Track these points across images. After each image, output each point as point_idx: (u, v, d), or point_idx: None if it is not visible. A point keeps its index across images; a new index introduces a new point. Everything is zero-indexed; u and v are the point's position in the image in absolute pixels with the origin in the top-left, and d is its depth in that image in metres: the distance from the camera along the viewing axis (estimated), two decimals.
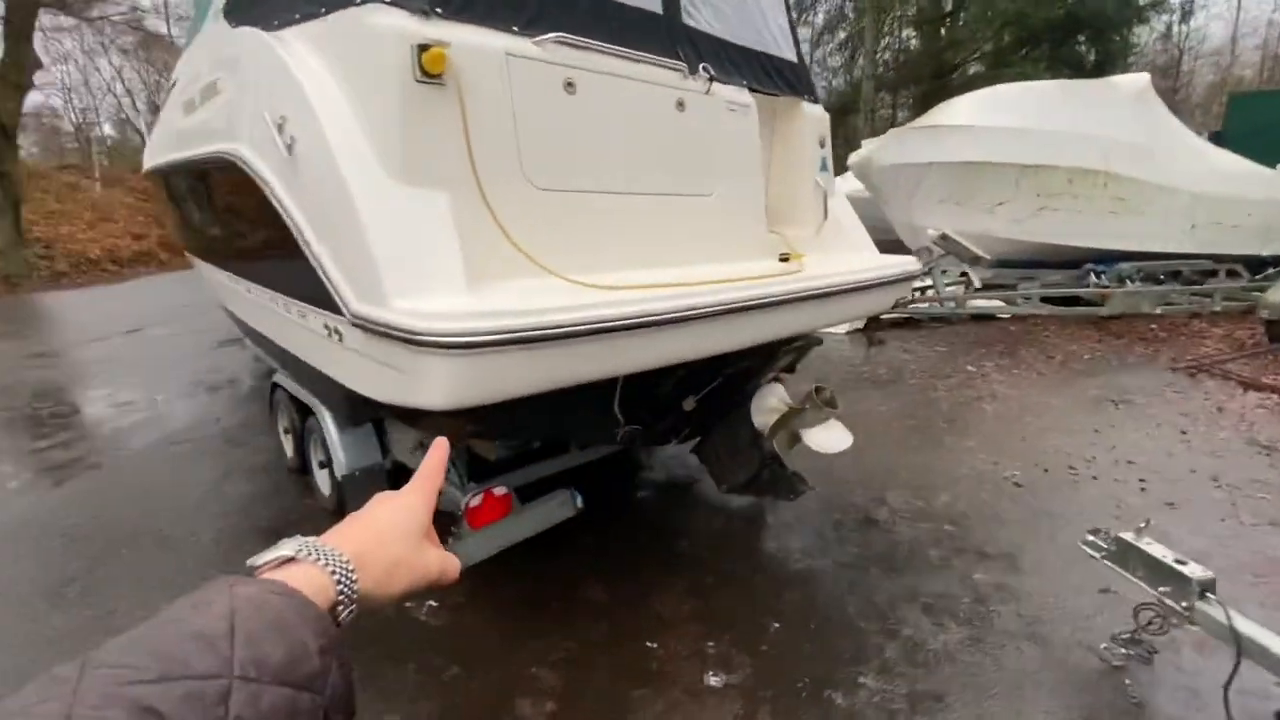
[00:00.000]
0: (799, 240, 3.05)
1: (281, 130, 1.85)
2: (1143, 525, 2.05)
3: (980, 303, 7.35)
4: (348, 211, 1.67)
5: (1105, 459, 3.66)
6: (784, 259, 2.79)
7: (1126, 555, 2.05)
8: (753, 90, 2.75)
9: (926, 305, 7.30)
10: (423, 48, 1.69)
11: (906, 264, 2.92)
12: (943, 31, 18.81)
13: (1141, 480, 3.37)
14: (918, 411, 4.57)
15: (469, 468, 2.77)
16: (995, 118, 7.37)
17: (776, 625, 2.36)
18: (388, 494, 0.56)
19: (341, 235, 1.71)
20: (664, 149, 2.37)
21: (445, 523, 2.38)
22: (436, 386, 1.52)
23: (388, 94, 1.72)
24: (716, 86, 2.53)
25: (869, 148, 8.38)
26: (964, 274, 7.64)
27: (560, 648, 2.29)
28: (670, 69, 2.37)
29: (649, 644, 2.29)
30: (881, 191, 8.46)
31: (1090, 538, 2.20)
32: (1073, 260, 7.35)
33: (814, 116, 3.10)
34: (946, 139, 7.48)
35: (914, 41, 20.53)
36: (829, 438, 2.15)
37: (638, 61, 2.24)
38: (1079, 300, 6.92)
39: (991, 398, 4.81)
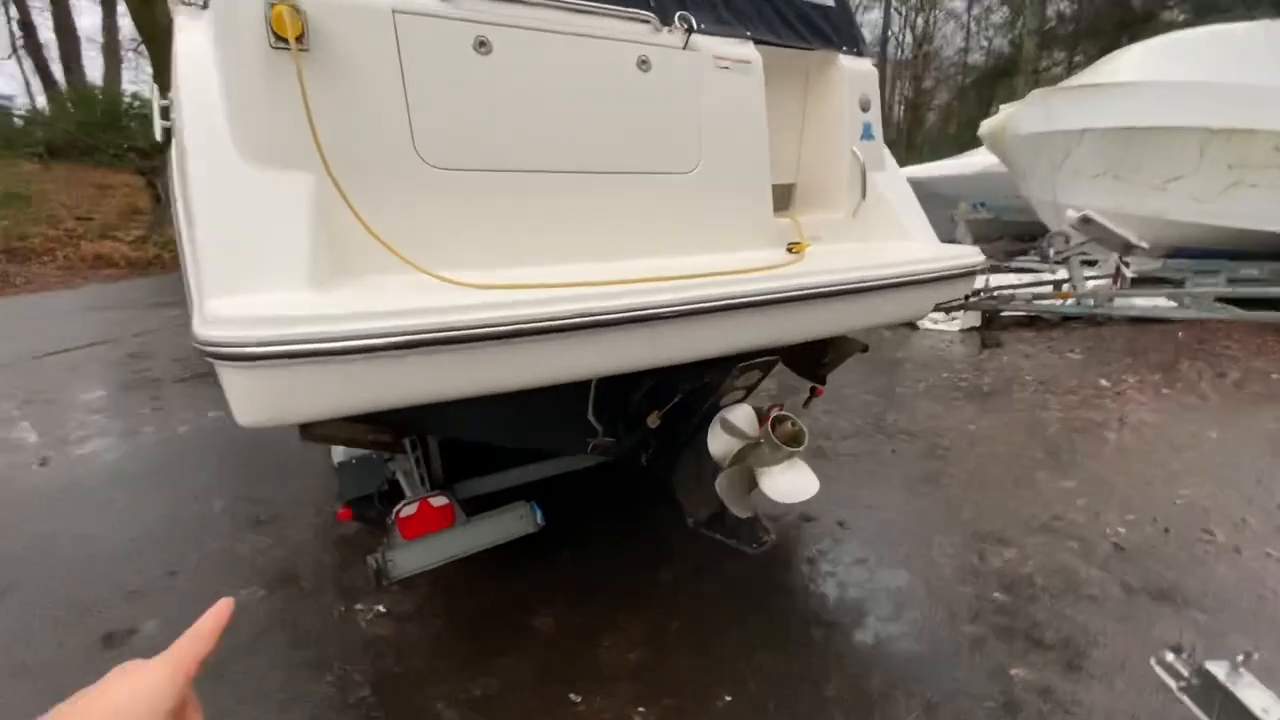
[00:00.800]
0: (829, 225, 2.52)
1: (166, 115, 1.74)
2: (1244, 657, 1.38)
3: (1135, 300, 6.01)
4: (188, 197, 1.50)
5: (1262, 524, 2.72)
6: (794, 249, 2.29)
7: (1211, 695, 1.40)
8: (762, 43, 2.26)
9: (1059, 303, 6.09)
10: (273, 7, 1.46)
11: (960, 258, 2.29)
12: None
13: None
14: (1014, 435, 3.75)
15: (445, 468, 2.63)
16: (1175, 70, 5.90)
17: (728, 699, 1.95)
18: (133, 665, 0.49)
19: (189, 225, 1.55)
20: (620, 117, 1.97)
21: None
22: (235, 401, 1.31)
23: (240, 63, 1.52)
24: (699, 40, 2.08)
25: (1005, 113, 7.15)
26: (1120, 264, 6.28)
27: (480, 683, 2.05)
28: (633, 19, 1.97)
29: (572, 696, 1.99)
30: (1019, 165, 7.20)
31: (1169, 657, 1.55)
32: (1274, 251, 5.75)
33: (854, 73, 2.51)
34: (1107, 99, 6.14)
35: None
36: (786, 483, 1.68)
37: (582, 12, 1.87)
38: (1275, 303, 5.39)
39: (1120, 424, 3.84)
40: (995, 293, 5.99)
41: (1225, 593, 2.28)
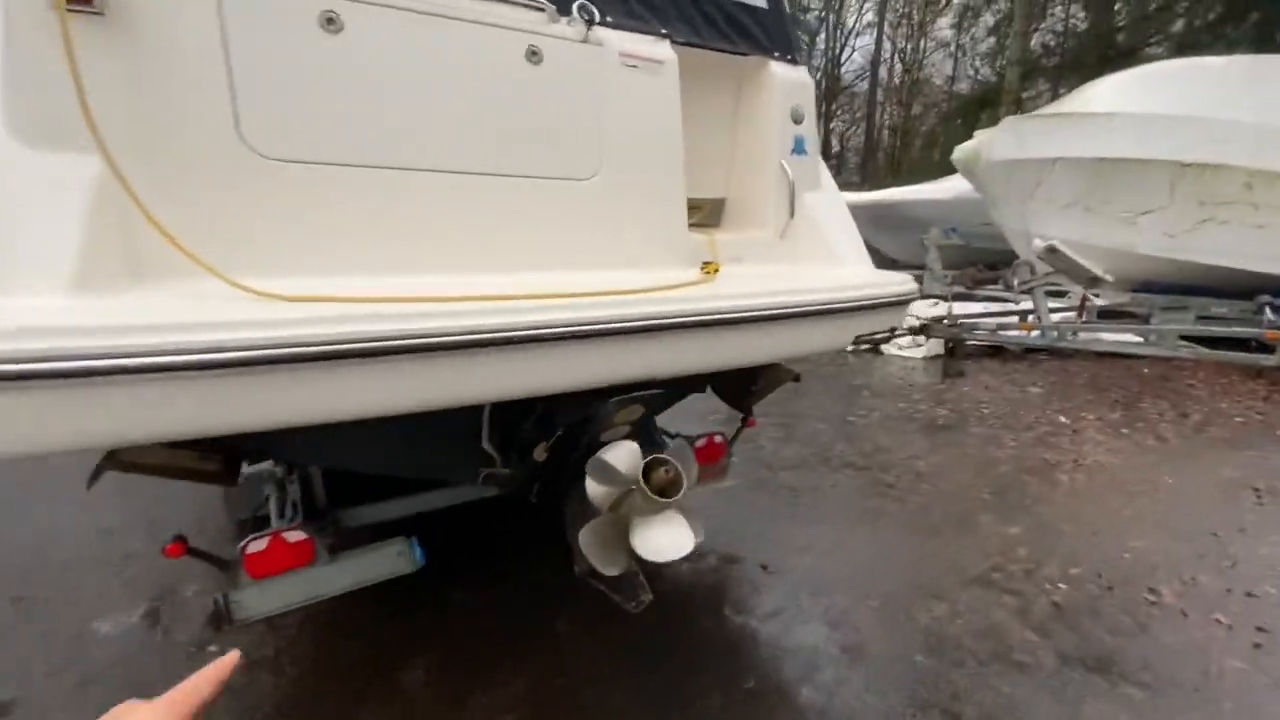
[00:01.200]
0: (754, 245, 2.32)
1: None
2: None
3: (1099, 335, 5.89)
4: None
5: (1213, 582, 2.53)
6: (706, 269, 2.09)
7: None
8: (682, 44, 2.06)
9: (1023, 334, 5.95)
10: None
11: (887, 285, 2.09)
12: (1118, 7, 15.83)
13: (1262, 631, 2.25)
14: (963, 473, 3.55)
15: (329, 493, 2.38)
16: (1150, 102, 5.83)
17: None
18: (131, 705, 0.48)
19: None
20: (503, 114, 1.75)
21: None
22: None
23: (15, 25, 1.29)
24: (604, 34, 1.88)
25: (979, 138, 7.06)
26: (1086, 297, 6.16)
27: None
28: (524, 6, 1.75)
29: None
30: (992, 192, 7.11)
31: None
32: (1243, 289, 5.65)
33: (786, 81, 2.31)
34: (1079, 129, 6.05)
35: (1080, 21, 17.53)
36: (655, 539, 1.45)
37: None
38: (1241, 343, 5.25)
39: (1075, 466, 3.65)
40: (959, 321, 5.86)
41: (1167, 666, 2.07)
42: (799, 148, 2.36)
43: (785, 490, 3.32)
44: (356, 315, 1.24)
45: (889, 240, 9.93)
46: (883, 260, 11.15)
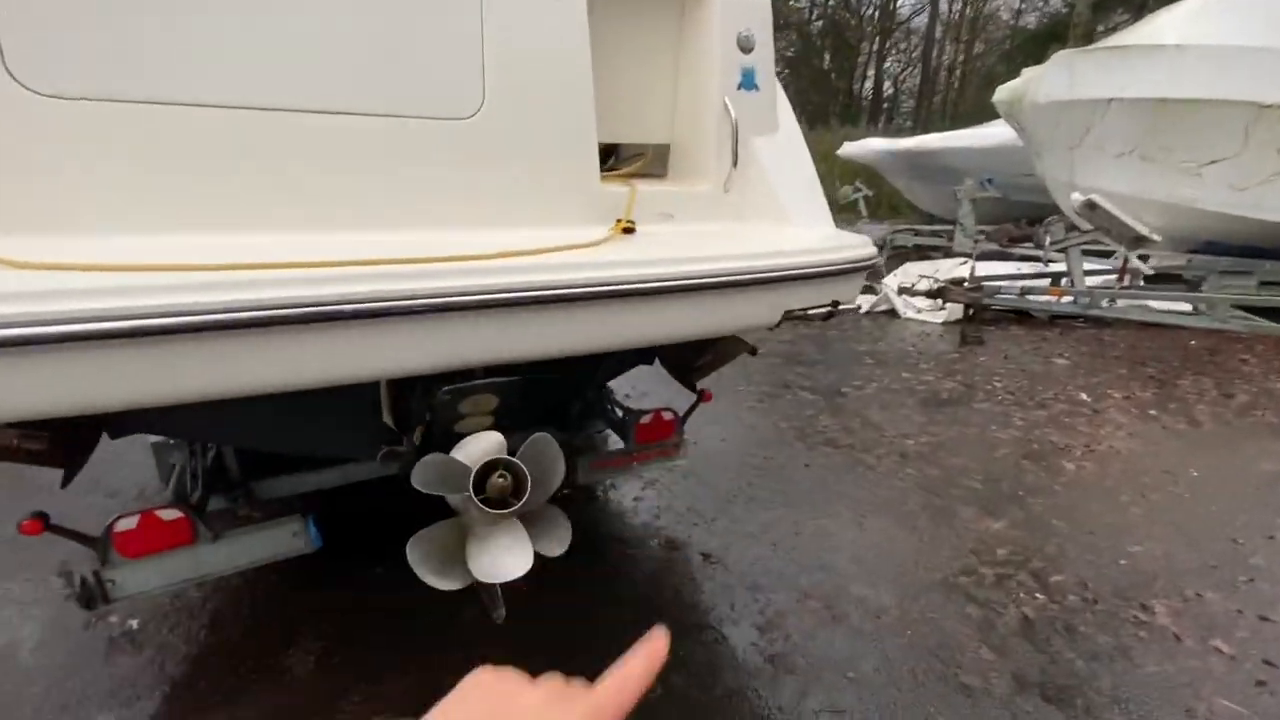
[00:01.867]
0: (690, 200, 2.01)
1: None
2: None
3: (1139, 303, 5.31)
4: None
5: (1221, 601, 2.19)
6: (627, 229, 1.78)
7: None
8: None
9: (1051, 300, 5.41)
10: None
11: (834, 251, 1.77)
12: None
13: (1269, 665, 1.92)
14: (956, 455, 3.22)
15: (241, 470, 2.26)
16: (1228, 31, 5.04)
17: None
18: (502, 677, 0.39)
19: None
20: (362, 37, 1.46)
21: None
22: None
23: None
24: None
25: (1025, 77, 6.32)
26: (1128, 259, 5.53)
27: None
28: None
29: None
30: (1036, 138, 6.41)
31: None
32: None
33: (731, 0, 1.94)
34: (1141, 64, 5.31)
35: None
36: (488, 557, 1.22)
37: None
38: None
39: (1086, 451, 3.27)
40: (982, 284, 5.35)
41: (1143, 702, 1.78)
42: (748, 82, 2.00)
43: (750, 469, 3.06)
44: (127, 287, 1.03)
45: (924, 192, 9.21)
46: (919, 215, 10.47)
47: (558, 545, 1.35)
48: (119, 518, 1.75)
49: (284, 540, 1.94)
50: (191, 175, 1.36)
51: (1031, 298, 5.37)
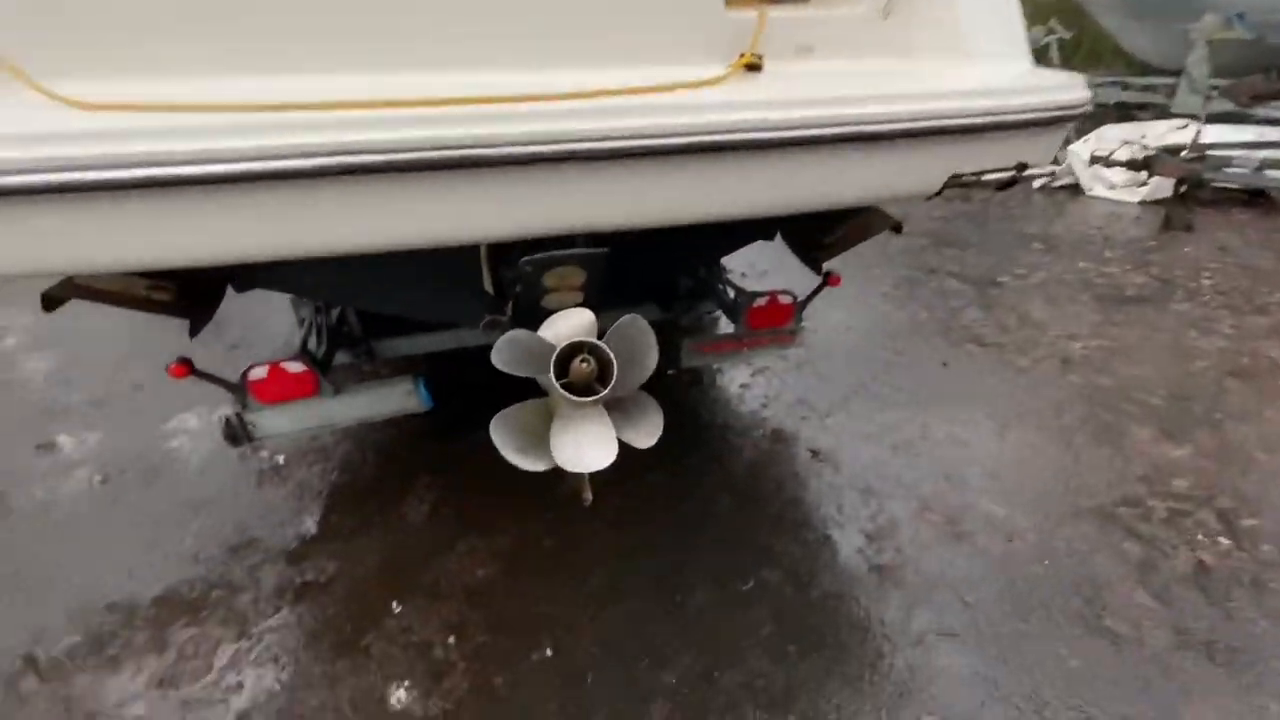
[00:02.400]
0: (837, 28, 1.62)
1: None
2: None
3: None
4: None
5: None
6: (752, 66, 1.46)
7: None
8: None
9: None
10: None
11: (1028, 93, 1.36)
12: None
13: None
14: (1139, 365, 2.69)
15: (362, 328, 2.35)
16: None
17: (548, 653, 1.61)
18: None
19: None
20: None
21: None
22: None
23: None
24: None
25: None
26: None
27: (316, 566, 1.89)
28: None
29: (394, 605, 1.76)
30: None
31: None
32: None
33: None
34: None
35: None
36: (569, 444, 1.12)
37: None
38: None
39: None
40: (1205, 154, 4.25)
41: None
42: None
43: (876, 364, 2.76)
44: (167, 129, 0.96)
45: (1142, 32, 7.29)
46: (1128, 66, 8.45)
47: (646, 436, 1.23)
48: (251, 367, 1.87)
49: (398, 398, 2.02)
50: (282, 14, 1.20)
51: (1273, 173, 4.21)
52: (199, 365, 1.75)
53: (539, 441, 1.23)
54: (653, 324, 1.24)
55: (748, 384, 2.64)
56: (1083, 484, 2.06)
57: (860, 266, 3.53)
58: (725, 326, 2.59)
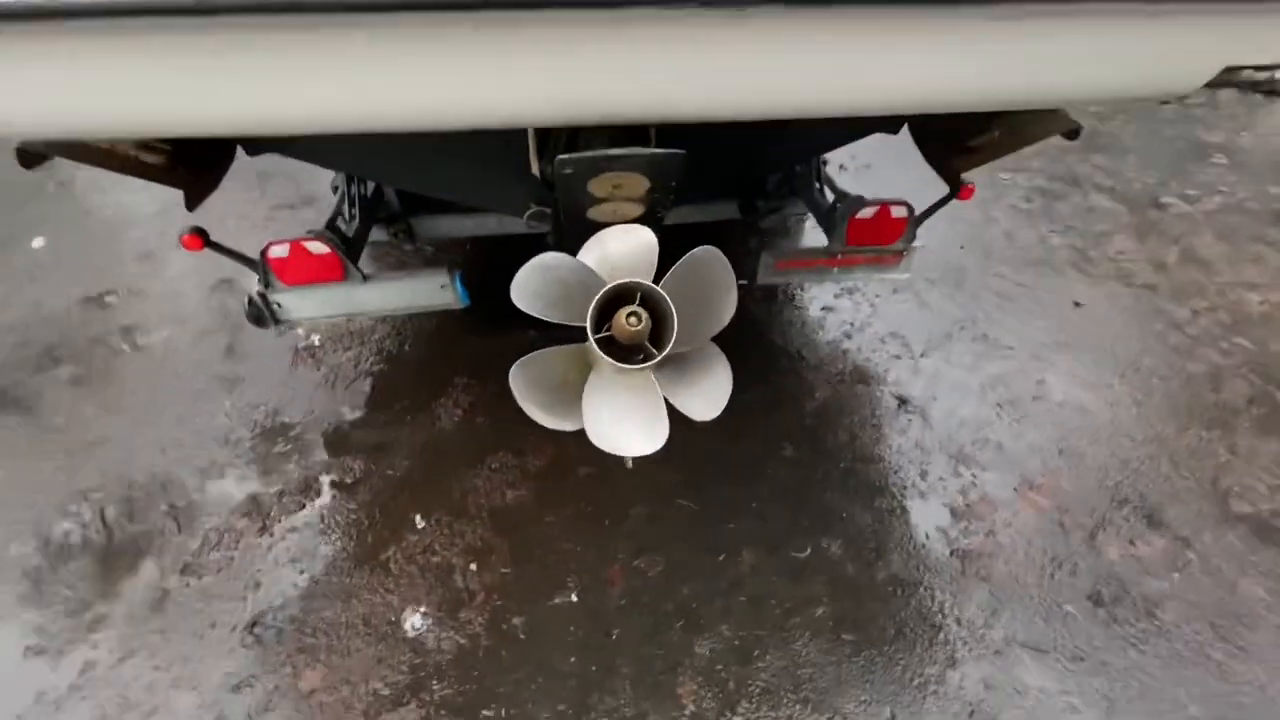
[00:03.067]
0: None
1: None
2: None
3: None
4: None
5: None
6: None
7: None
8: None
9: None
10: None
11: None
12: None
13: None
14: (1245, 348, 2.15)
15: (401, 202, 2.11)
16: None
17: (571, 600, 1.47)
18: None
19: None
20: None
21: None
22: None
23: None
24: None
25: None
26: None
27: (349, 466, 1.79)
28: None
29: (416, 519, 1.65)
30: None
31: None
32: None
33: None
34: None
35: None
36: (605, 416, 0.85)
37: None
38: None
39: None
40: None
41: None
42: None
43: (990, 295, 2.31)
44: None
45: None
46: None
47: (708, 406, 0.95)
48: (271, 244, 1.69)
49: (432, 291, 1.82)
50: None
51: None
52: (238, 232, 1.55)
53: (568, 399, 0.98)
54: (725, 227, 0.91)
55: (831, 306, 2.26)
56: (1238, 484, 1.67)
57: (984, 167, 2.93)
58: (814, 234, 2.18)
